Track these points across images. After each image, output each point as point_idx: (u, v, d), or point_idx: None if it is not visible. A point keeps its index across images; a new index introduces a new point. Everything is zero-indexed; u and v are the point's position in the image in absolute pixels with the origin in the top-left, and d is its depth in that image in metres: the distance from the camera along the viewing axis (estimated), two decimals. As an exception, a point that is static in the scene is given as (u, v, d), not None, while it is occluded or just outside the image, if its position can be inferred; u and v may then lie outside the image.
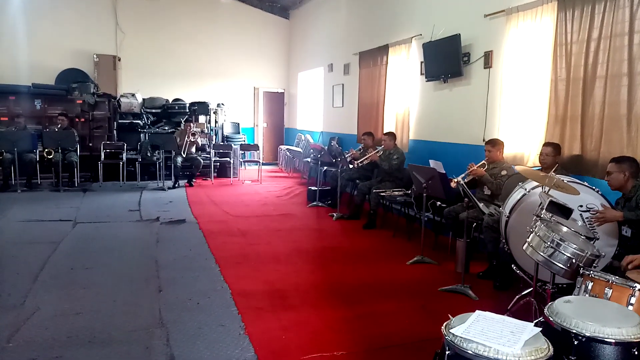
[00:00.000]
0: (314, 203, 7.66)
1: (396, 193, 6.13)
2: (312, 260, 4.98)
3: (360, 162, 6.65)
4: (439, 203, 5.30)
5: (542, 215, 2.85)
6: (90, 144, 9.58)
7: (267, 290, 4.04)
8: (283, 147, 12.30)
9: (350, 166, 6.87)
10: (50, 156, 8.37)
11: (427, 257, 4.94)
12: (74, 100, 9.77)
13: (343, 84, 9.73)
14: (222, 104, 11.70)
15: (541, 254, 2.68)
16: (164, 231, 5.93)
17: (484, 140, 5.43)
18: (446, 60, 6.13)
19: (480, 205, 4.03)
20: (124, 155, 9.33)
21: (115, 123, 10.12)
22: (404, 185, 6.41)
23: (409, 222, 6.12)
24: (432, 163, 4.82)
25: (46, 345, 3.03)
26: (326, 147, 8.62)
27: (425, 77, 6.68)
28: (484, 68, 5.70)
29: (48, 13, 11.05)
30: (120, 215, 6.72)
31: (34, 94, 9.71)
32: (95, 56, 11.13)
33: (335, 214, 6.85)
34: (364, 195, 6.73)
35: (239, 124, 12.70)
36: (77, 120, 9.65)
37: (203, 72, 12.44)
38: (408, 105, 7.19)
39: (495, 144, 4.92)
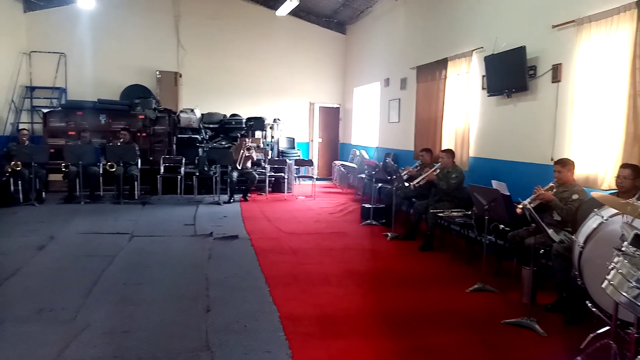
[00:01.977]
0: (368, 221, 7.44)
1: (455, 214, 5.82)
2: (365, 283, 4.77)
3: (417, 183, 6.38)
4: (502, 226, 4.96)
5: (624, 249, 2.52)
6: (151, 158, 9.86)
7: (317, 315, 3.87)
8: (337, 162, 12.18)
9: (406, 185, 6.61)
10: (113, 169, 8.67)
11: (489, 285, 4.61)
12: (137, 115, 10.12)
13: (399, 99, 9.51)
14: (278, 119, 11.77)
15: (624, 294, 2.36)
16: (216, 247, 5.91)
17: (552, 159, 5.06)
18: (510, 74, 5.79)
19: (550, 232, 3.69)
20: (182, 169, 9.52)
21: (174, 138, 10.38)
22: (464, 206, 6.08)
23: (469, 245, 5.79)
24: (495, 184, 4.51)
25: (93, 365, 3.01)
26: (381, 164, 8.40)
27: (487, 92, 6.36)
28: (552, 82, 5.33)
29: (114, 32, 11.58)
30: (175, 229, 6.80)
31: (99, 109, 10.15)
32: (157, 73, 11.53)
33: (389, 234, 6.61)
34: (420, 215, 6.46)
35: (294, 139, 12.73)
36: (138, 134, 9.98)
37: (260, 87, 12.61)
38: (468, 121, 6.88)
39: (565, 164, 4.54)
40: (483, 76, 6.51)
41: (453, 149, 6.81)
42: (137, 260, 5.25)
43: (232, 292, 4.33)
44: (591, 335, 3.24)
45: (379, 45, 10.83)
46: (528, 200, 4.28)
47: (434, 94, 7.83)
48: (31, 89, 11.13)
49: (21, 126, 10.29)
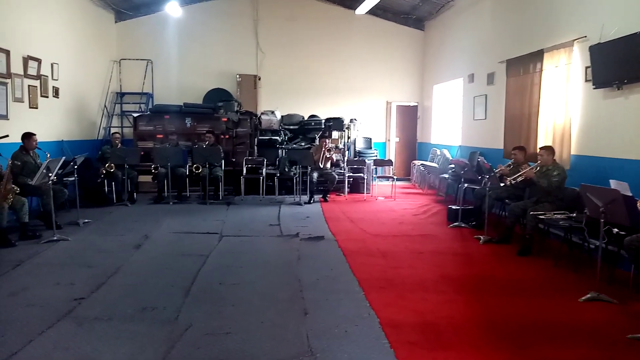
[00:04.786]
0: (456, 224, 7.11)
1: (558, 216, 5.39)
2: (464, 289, 4.50)
3: (514, 180, 5.98)
4: (615, 230, 4.51)
5: None
6: (233, 159, 10.06)
7: (419, 323, 3.67)
8: (417, 162, 11.84)
9: (502, 184, 6.23)
10: (199, 171, 8.92)
11: (604, 295, 4.20)
12: (220, 118, 10.37)
13: (486, 95, 9.06)
14: (355, 119, 11.63)
15: None
16: (304, 248, 5.87)
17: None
18: (622, 64, 5.27)
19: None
20: (264, 170, 9.62)
21: (256, 139, 10.53)
22: (566, 207, 5.63)
23: (572, 250, 5.35)
24: (614, 184, 4.11)
25: (200, 367, 3.00)
26: (468, 163, 8.02)
27: (593, 84, 5.84)
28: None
29: (197, 38, 11.98)
30: (261, 229, 6.84)
31: (185, 113, 10.49)
32: (237, 76, 11.78)
33: (482, 237, 6.25)
34: (517, 217, 6.07)
35: (371, 138, 12.54)
36: (222, 137, 10.21)
37: (336, 88, 12.56)
38: (569, 116, 6.38)
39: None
40: (587, 67, 6.00)
41: (552, 145, 6.33)
42: (230, 260, 5.30)
43: (326, 295, 4.24)
44: None
45: (462, 40, 10.40)
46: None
47: (527, 88, 7.36)
48: (121, 94, 11.75)
49: (113, 130, 10.89)
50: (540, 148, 6.17)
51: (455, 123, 10.80)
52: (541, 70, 6.97)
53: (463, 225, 7.05)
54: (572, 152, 6.33)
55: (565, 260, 5.28)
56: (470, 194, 7.73)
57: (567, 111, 6.42)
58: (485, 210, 6.42)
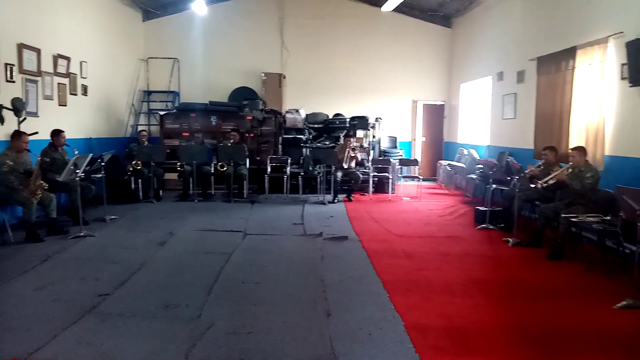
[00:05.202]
0: (484, 225, 6.93)
1: (591, 219, 5.19)
2: (493, 294, 4.36)
3: (545, 182, 5.79)
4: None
5: None
6: (258, 158, 10.06)
7: (445, 327, 3.57)
8: (443, 162, 11.64)
9: (532, 185, 6.04)
10: (224, 169, 8.94)
11: (641, 302, 4.02)
12: (245, 116, 10.38)
13: (515, 94, 8.83)
14: (380, 118, 11.51)
15: None
16: (327, 247, 5.80)
17: None
18: (661, 61, 5.06)
19: None
20: (288, 169, 9.59)
21: (280, 138, 10.51)
22: (599, 210, 5.42)
23: (606, 255, 5.14)
24: (653, 186, 3.91)
25: (221, 366, 2.96)
26: (497, 163, 7.83)
27: (629, 82, 5.61)
28: None
29: (223, 36, 12.04)
30: (285, 228, 6.81)
31: (210, 111, 10.54)
32: (263, 74, 11.78)
33: (511, 240, 6.07)
34: (547, 220, 5.87)
35: (396, 138, 12.40)
36: (246, 135, 10.22)
37: (362, 86, 12.46)
38: (603, 116, 6.15)
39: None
40: (623, 64, 5.77)
41: (584, 146, 6.11)
42: (253, 259, 5.27)
43: (350, 297, 4.16)
44: None
45: (491, 37, 10.17)
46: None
47: (559, 86, 7.13)
48: (148, 93, 11.90)
49: (140, 128, 11.01)
50: (572, 149, 5.96)
51: (483, 122, 10.57)
52: (574, 67, 6.75)
53: (491, 227, 6.87)
54: (606, 153, 6.10)
55: (599, 265, 5.08)
56: (499, 195, 7.54)
57: (601, 110, 6.19)
58: (514, 212, 6.24)
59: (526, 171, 6.25)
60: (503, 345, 3.33)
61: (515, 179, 6.18)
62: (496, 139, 9.72)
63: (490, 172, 7.41)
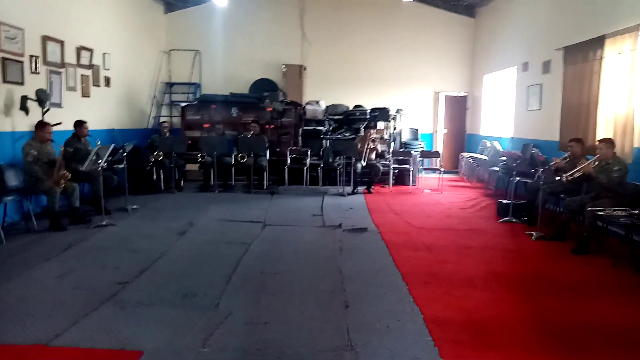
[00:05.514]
0: (506, 218, 6.80)
1: (618, 213, 5.05)
2: (514, 288, 4.26)
3: (570, 176, 5.63)
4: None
5: None
6: (278, 149, 10.05)
7: (465, 321, 3.50)
8: (465, 154, 11.46)
9: (557, 178, 5.89)
10: (244, 160, 8.96)
11: (671, 299, 3.88)
12: (265, 108, 10.37)
13: (541, 84, 8.62)
14: (401, 110, 11.37)
15: None
16: (346, 239, 5.76)
17: None
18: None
19: None
20: (308, 160, 9.56)
21: (300, 129, 10.48)
22: (627, 203, 5.26)
23: (634, 250, 4.99)
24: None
25: (237, 356, 2.96)
26: (521, 155, 7.66)
27: (661, 72, 5.42)
28: None
29: (243, 28, 12.02)
30: (304, 219, 6.79)
31: (231, 103, 10.57)
32: (283, 66, 11.75)
33: (534, 233, 5.94)
34: (573, 213, 5.73)
35: (417, 130, 12.26)
36: (267, 126, 10.21)
37: (383, 77, 12.33)
38: (632, 107, 5.95)
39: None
40: (655, 53, 5.57)
41: (612, 138, 5.93)
42: (272, 249, 5.27)
43: (368, 288, 4.12)
44: None
45: (516, 26, 9.93)
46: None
47: (587, 76, 6.93)
48: (170, 84, 11.98)
49: (162, 119, 11.11)
50: (600, 141, 5.79)
51: (506, 114, 10.36)
52: (602, 57, 6.54)
53: (514, 220, 6.74)
54: (636, 145, 5.91)
55: (626, 261, 4.92)
56: (522, 188, 7.38)
57: (630, 101, 5.99)
58: (538, 205, 6.10)
59: (551, 163, 6.10)
60: (524, 340, 3.25)
61: (540, 172, 6.04)
62: (520, 131, 9.52)
63: (514, 165, 7.25)
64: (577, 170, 5.60)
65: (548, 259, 5.18)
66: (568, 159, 6.21)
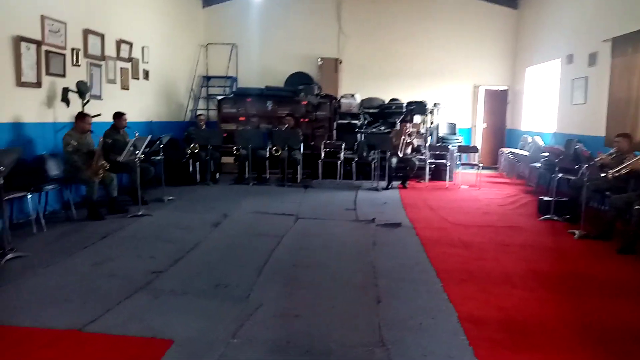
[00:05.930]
0: (548, 216, 6.55)
1: (669, 212, 4.76)
2: (555, 287, 4.08)
3: (617, 172, 5.36)
4: None
5: None
6: (312, 143, 10.01)
7: (502, 320, 3.37)
8: (505, 150, 11.12)
9: (602, 175, 5.61)
10: (278, 153, 8.97)
11: None
12: (300, 101, 10.35)
13: (586, 77, 8.26)
14: (439, 104, 11.13)
15: None
16: (380, 234, 5.67)
17: None
18: None
19: None
20: (342, 154, 9.49)
21: (335, 123, 10.41)
22: (679, 202, 4.96)
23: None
24: None
25: (267, 348, 2.92)
26: (565, 150, 7.36)
27: None
28: None
29: (280, 22, 12.02)
30: (337, 213, 6.73)
31: (266, 96, 10.59)
32: (319, 59, 11.69)
33: (577, 232, 5.69)
34: (619, 211, 5.45)
35: (455, 124, 11.98)
36: (301, 120, 10.19)
37: (420, 70, 12.10)
38: (687, 100, 5.61)
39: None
40: None
41: (664, 133, 5.62)
42: (304, 243, 5.24)
43: (401, 284, 4.03)
44: None
45: (561, 17, 9.55)
46: None
47: (636, 69, 6.59)
48: (207, 78, 12.12)
49: (198, 112, 11.25)
50: (651, 135, 5.49)
51: (549, 108, 9.99)
52: (655, 47, 6.20)
53: (555, 218, 6.48)
54: (690, 140, 5.58)
55: (677, 262, 4.66)
56: (565, 185, 7.09)
57: (685, 94, 5.65)
58: (582, 203, 5.83)
59: (596, 159, 5.84)
60: (565, 341, 3.10)
61: (584, 168, 5.77)
62: (564, 126, 9.16)
63: (557, 160, 6.96)
64: (624, 167, 5.33)
65: (592, 258, 4.95)
66: (614, 155, 5.93)
